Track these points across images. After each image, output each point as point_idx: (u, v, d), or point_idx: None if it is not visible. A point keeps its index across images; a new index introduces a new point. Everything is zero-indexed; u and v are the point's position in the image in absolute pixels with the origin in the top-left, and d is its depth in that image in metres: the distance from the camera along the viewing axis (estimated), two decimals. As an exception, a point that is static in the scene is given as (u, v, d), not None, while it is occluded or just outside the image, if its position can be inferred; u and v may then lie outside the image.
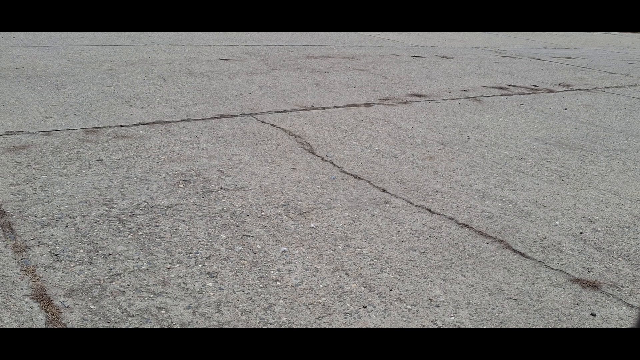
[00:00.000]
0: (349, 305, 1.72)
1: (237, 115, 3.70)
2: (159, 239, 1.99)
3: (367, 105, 4.40)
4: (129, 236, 1.99)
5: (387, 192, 2.63)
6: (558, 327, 1.76)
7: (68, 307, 1.57)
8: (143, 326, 1.53)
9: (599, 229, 2.46)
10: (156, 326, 1.54)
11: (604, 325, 1.79)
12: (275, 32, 8.93)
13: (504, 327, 1.69)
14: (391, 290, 1.83)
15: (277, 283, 1.80)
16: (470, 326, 1.68)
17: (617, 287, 1.99)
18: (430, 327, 1.67)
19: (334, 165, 2.94)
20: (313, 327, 1.60)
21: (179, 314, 1.59)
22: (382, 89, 5.05)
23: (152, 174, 2.58)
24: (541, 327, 1.75)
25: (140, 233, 2.02)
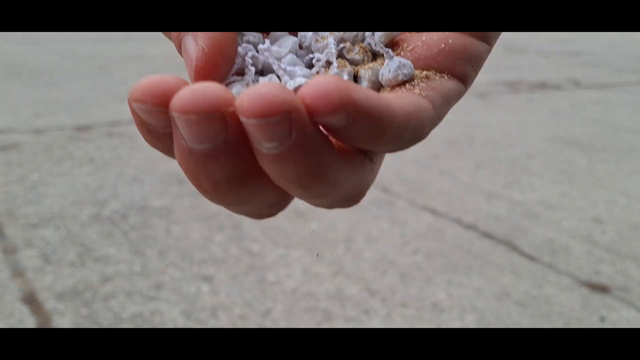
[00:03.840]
0: (350, 310, 1.68)
1: (237, 113, 3.66)
2: (152, 241, 1.96)
3: (371, 102, 4.35)
4: (122, 238, 1.96)
5: (390, 193, 2.59)
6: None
7: (59, 311, 1.54)
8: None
9: (608, 231, 2.41)
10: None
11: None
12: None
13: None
14: (394, 294, 1.78)
15: (275, 287, 1.76)
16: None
17: (627, 290, 1.94)
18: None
19: (336, 164, 2.90)
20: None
21: (173, 319, 1.55)
22: (386, 86, 5.00)
23: (145, 174, 2.54)
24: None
25: (133, 235, 1.99)
